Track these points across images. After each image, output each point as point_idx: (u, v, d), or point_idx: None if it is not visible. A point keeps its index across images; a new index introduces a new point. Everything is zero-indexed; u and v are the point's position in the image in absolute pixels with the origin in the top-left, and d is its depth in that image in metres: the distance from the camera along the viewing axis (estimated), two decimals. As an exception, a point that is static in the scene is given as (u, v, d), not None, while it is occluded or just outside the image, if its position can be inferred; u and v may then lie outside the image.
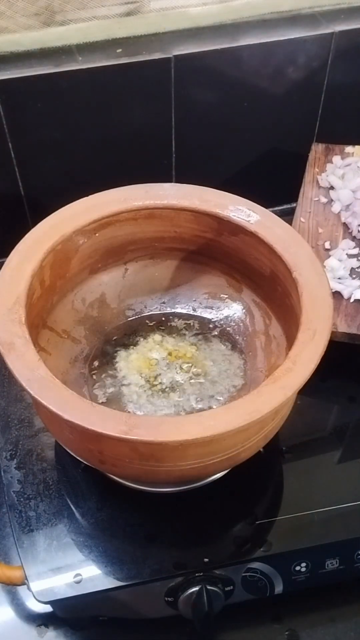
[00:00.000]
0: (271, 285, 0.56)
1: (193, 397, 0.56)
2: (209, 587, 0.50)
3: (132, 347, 0.60)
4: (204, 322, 0.62)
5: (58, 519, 0.54)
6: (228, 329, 0.62)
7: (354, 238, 0.71)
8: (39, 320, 0.54)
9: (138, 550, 0.52)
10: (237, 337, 0.61)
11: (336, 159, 0.80)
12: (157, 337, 0.61)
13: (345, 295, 0.65)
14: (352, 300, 0.65)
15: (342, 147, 0.81)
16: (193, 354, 0.60)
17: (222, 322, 0.62)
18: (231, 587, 0.52)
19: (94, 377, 0.58)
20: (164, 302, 0.63)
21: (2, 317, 0.47)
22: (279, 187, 0.86)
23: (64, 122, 0.70)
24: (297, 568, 0.53)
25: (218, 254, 0.59)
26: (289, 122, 0.81)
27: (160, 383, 0.57)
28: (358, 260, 0.69)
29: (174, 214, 0.57)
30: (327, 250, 0.70)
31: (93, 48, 0.70)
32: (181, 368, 0.58)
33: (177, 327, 0.62)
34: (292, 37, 0.73)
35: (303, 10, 0.76)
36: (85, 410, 0.42)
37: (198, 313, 0.63)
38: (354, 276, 0.67)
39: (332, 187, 0.77)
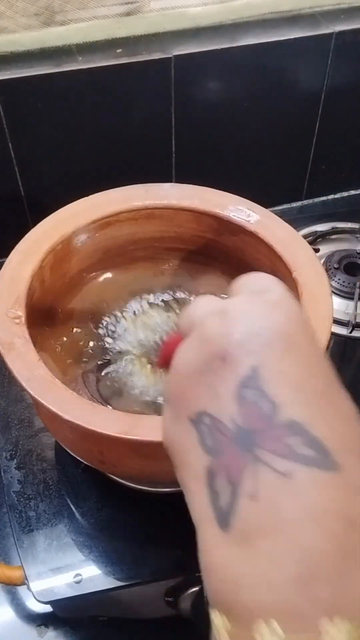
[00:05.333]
0: (271, 285, 0.56)
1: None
2: (209, 587, 0.50)
3: (132, 347, 0.60)
4: (204, 322, 0.62)
5: (58, 519, 0.54)
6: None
7: None
8: (39, 320, 0.54)
9: (138, 550, 0.52)
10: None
11: None
12: (156, 337, 0.61)
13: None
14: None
15: None
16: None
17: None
18: (231, 587, 0.52)
19: (94, 377, 0.58)
20: (164, 302, 0.63)
21: (2, 317, 0.47)
22: (279, 187, 0.86)
23: (64, 122, 0.70)
24: (297, 568, 0.53)
25: (218, 254, 0.59)
26: (289, 122, 0.81)
27: (160, 382, 0.57)
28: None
29: (174, 214, 0.57)
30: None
31: (93, 48, 0.70)
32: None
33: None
34: (292, 37, 0.73)
35: (303, 10, 0.76)
36: (85, 410, 0.42)
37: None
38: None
39: None
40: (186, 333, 0.29)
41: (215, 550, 0.25)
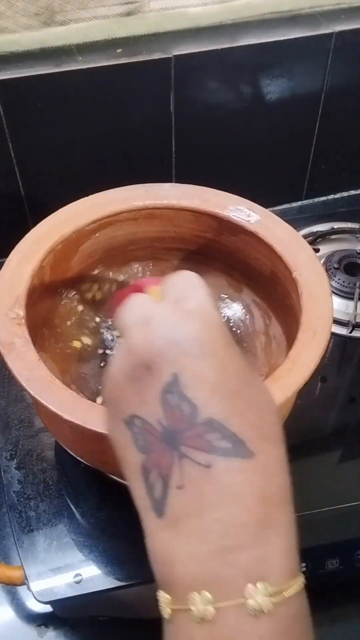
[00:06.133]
0: (271, 285, 0.56)
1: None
2: (209, 587, 0.50)
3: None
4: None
5: (58, 519, 0.54)
6: (228, 328, 0.62)
7: None
8: (39, 320, 0.54)
9: (138, 550, 0.51)
10: (237, 338, 0.61)
11: None
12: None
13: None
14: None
15: None
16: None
17: (222, 322, 0.62)
18: (231, 587, 0.52)
19: (94, 377, 0.58)
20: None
21: (2, 317, 0.47)
22: (279, 187, 0.86)
23: (64, 122, 0.70)
24: (297, 568, 0.53)
25: (218, 254, 0.59)
26: (289, 122, 0.81)
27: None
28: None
29: (174, 214, 0.57)
30: None
31: (93, 48, 0.70)
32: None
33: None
34: (292, 37, 0.73)
35: (303, 10, 0.76)
36: (85, 410, 0.42)
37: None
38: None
39: None
40: (120, 334, 0.32)
41: (154, 535, 0.29)
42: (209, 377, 0.28)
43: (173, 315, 0.30)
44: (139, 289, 0.40)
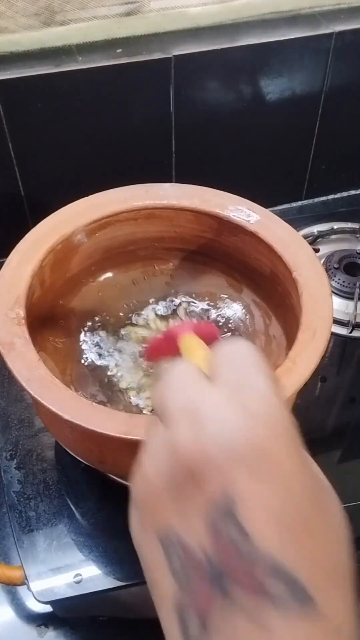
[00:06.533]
0: (271, 285, 0.56)
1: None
2: (209, 587, 0.50)
3: (132, 347, 0.60)
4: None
5: (58, 519, 0.54)
6: (228, 329, 0.62)
7: None
8: (39, 320, 0.54)
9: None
10: (237, 337, 0.61)
11: None
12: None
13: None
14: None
15: None
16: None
17: (222, 322, 0.62)
18: (231, 587, 0.52)
19: (94, 377, 0.58)
20: (164, 302, 0.63)
21: (2, 317, 0.47)
22: (279, 187, 0.86)
23: (64, 122, 0.70)
24: (297, 568, 0.53)
25: (218, 254, 0.59)
26: (289, 122, 0.81)
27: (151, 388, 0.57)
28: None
29: (174, 214, 0.57)
30: None
31: (93, 48, 0.70)
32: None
33: (177, 327, 0.62)
34: (292, 37, 0.73)
35: (303, 10, 0.76)
36: (85, 410, 0.42)
37: (198, 313, 0.63)
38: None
39: None
40: (158, 416, 0.27)
41: None
42: (270, 500, 0.23)
43: (231, 411, 0.24)
44: (171, 339, 0.37)
